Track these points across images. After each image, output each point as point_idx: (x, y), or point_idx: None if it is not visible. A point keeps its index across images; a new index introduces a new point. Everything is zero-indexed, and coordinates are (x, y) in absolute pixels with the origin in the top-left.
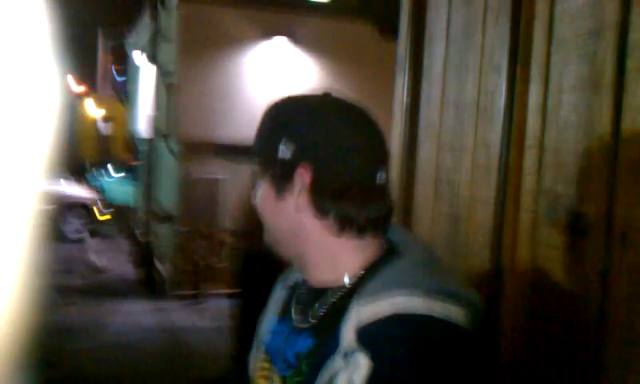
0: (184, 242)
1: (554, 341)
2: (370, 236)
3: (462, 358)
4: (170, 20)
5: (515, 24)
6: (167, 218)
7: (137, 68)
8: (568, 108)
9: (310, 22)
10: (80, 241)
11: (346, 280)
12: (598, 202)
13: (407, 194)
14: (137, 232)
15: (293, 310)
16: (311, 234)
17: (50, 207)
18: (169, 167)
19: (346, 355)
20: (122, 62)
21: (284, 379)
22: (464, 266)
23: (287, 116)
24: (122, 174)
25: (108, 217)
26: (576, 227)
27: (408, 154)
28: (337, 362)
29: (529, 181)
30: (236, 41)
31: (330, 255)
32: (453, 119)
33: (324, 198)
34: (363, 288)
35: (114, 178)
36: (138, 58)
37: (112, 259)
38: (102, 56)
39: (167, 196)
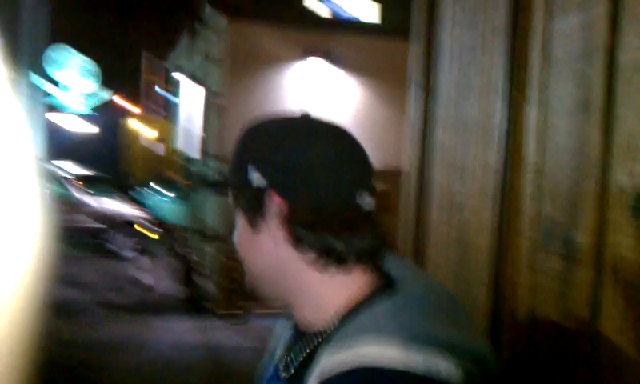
0: (229, 260)
1: (550, 372)
2: (359, 271)
3: None
4: (217, 41)
5: (512, 44)
6: (213, 237)
7: (180, 88)
8: (563, 131)
9: (347, 41)
10: (128, 258)
11: (328, 322)
12: (589, 230)
13: (420, 219)
14: (184, 250)
15: (281, 361)
16: (292, 270)
17: (101, 225)
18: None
19: None
20: (165, 81)
21: None
22: (471, 294)
23: (253, 140)
24: (170, 193)
25: (156, 235)
26: (568, 256)
27: (419, 176)
28: None
29: (528, 206)
30: (277, 60)
31: (313, 294)
32: (460, 141)
33: (302, 228)
34: (335, 333)
35: (162, 197)
36: (181, 78)
37: (159, 277)
38: (145, 77)
39: (213, 215)
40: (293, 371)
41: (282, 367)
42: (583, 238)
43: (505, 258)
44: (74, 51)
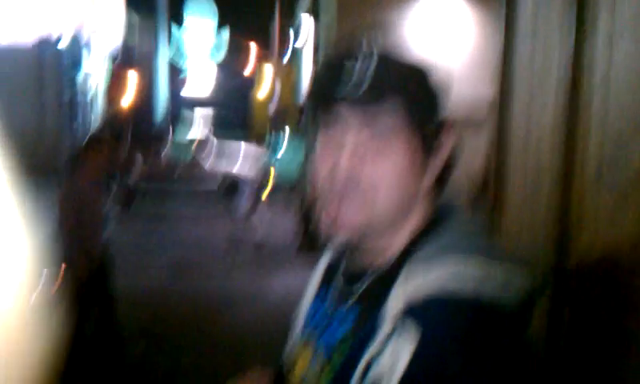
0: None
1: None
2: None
3: (519, 329)
4: None
5: None
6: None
7: (306, 30)
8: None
9: None
10: (247, 215)
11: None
12: None
13: (502, 146)
14: (302, 201)
15: (335, 293)
16: (412, 197)
17: (219, 184)
18: None
19: (395, 324)
20: (293, 25)
21: (323, 363)
22: (544, 217)
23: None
24: (289, 145)
25: (270, 189)
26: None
27: (504, 101)
28: (384, 330)
29: (595, 126)
30: None
31: (406, 220)
32: (537, 80)
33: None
34: (414, 256)
35: (284, 148)
36: (306, 19)
37: (278, 229)
38: (278, 24)
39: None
40: (354, 300)
41: (334, 300)
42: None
43: (574, 177)
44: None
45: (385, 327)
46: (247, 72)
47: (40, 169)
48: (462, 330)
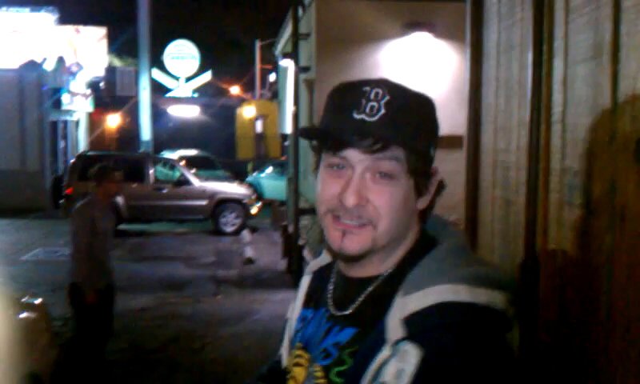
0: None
1: (575, 314)
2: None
3: (505, 343)
4: (309, 18)
5: None
6: (311, 210)
7: (284, 70)
8: (580, 80)
9: (451, 10)
10: (234, 234)
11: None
12: (602, 179)
13: (473, 180)
14: (286, 224)
15: (329, 300)
16: (411, 222)
17: (207, 203)
18: (310, 161)
19: (394, 345)
20: (273, 66)
21: (325, 368)
22: (513, 248)
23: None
24: (273, 170)
25: (256, 211)
26: (587, 206)
27: (474, 137)
28: (384, 351)
29: (554, 159)
30: (373, 35)
31: (402, 241)
32: (504, 99)
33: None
34: (405, 278)
35: (266, 174)
36: (283, 60)
37: (263, 251)
38: (258, 65)
39: (310, 188)
40: (352, 311)
41: (336, 308)
42: (598, 187)
43: (538, 214)
44: (184, 42)
45: (388, 339)
46: (229, 111)
47: (23, 192)
48: (462, 334)
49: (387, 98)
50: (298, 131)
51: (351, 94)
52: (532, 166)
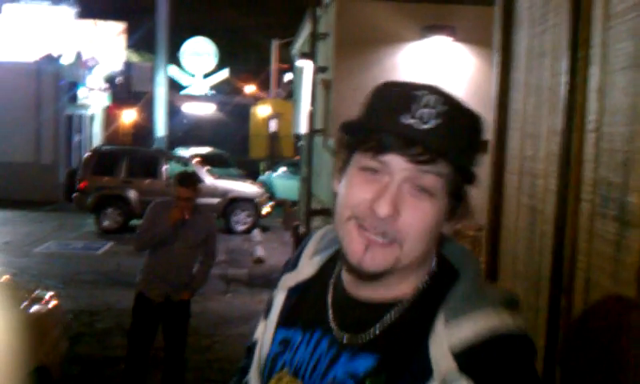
0: None
1: (601, 339)
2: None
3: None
4: (328, 18)
5: (576, 2)
6: (323, 211)
7: (300, 69)
8: (619, 89)
9: (472, 14)
10: (245, 232)
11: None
12: None
13: (497, 186)
14: (297, 225)
15: (332, 324)
16: (433, 249)
17: (219, 201)
18: (325, 161)
19: (444, 381)
20: (289, 65)
21: None
22: (538, 259)
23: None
24: (287, 169)
25: (269, 210)
26: (622, 218)
27: (499, 143)
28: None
29: (589, 169)
30: (392, 37)
31: (424, 265)
32: (533, 106)
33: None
34: (441, 305)
35: (279, 174)
36: (300, 59)
37: (274, 251)
38: (274, 64)
39: (324, 190)
40: (371, 336)
41: (346, 335)
42: (635, 199)
43: (567, 223)
44: (202, 39)
45: (438, 375)
46: (244, 110)
47: (36, 185)
48: (519, 370)
49: (443, 107)
50: (340, 126)
51: (399, 96)
52: (563, 174)
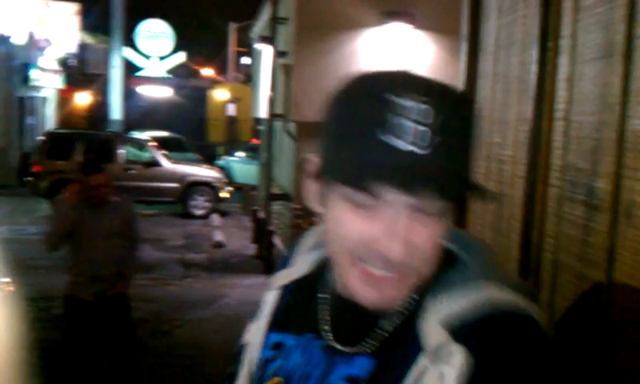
0: (298, 219)
1: (570, 318)
2: None
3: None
4: (287, 2)
5: None
6: (283, 196)
7: (259, 53)
8: (587, 79)
9: (432, 1)
10: (204, 217)
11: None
12: (608, 177)
13: None
14: (256, 209)
15: (324, 328)
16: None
17: (177, 185)
18: (285, 147)
19: (434, 352)
20: (247, 49)
21: None
22: (506, 243)
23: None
24: (245, 154)
25: (227, 194)
26: (590, 203)
27: None
28: (421, 361)
29: (557, 156)
30: (352, 23)
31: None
32: (501, 94)
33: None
34: (437, 287)
35: (238, 158)
36: (260, 43)
37: (233, 235)
38: (232, 47)
39: (284, 175)
40: (376, 343)
41: (329, 338)
42: (603, 184)
43: (535, 207)
44: (157, 21)
45: (428, 348)
46: (201, 93)
47: None
48: (525, 347)
49: (438, 115)
50: (317, 169)
51: (380, 107)
52: (532, 160)
